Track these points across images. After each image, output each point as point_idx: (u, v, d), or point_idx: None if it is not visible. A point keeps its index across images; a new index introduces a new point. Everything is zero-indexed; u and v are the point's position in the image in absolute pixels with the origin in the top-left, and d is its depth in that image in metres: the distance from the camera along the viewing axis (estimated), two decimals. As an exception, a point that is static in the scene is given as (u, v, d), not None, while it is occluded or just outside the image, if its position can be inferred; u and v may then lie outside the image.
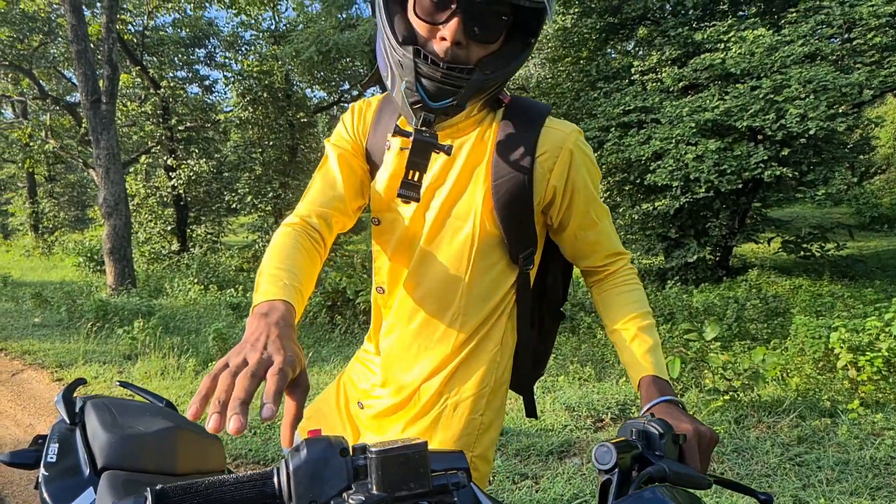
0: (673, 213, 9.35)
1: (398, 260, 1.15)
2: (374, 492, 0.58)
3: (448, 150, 0.93)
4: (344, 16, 13.91)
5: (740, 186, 8.05)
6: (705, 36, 8.93)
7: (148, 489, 0.56)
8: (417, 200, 0.97)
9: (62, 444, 1.29)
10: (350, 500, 0.57)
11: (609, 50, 12.58)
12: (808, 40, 7.91)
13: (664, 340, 5.45)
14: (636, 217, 10.11)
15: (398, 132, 0.93)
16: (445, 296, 1.11)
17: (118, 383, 1.73)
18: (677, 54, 9.47)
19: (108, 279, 9.65)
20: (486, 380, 1.13)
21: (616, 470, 0.70)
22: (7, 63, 14.74)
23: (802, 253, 9.80)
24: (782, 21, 8.79)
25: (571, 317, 6.66)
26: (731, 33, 8.59)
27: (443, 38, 0.91)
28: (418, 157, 0.92)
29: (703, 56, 8.76)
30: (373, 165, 1.16)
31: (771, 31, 8.27)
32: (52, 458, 1.26)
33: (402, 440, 0.61)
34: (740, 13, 9.89)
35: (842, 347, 3.74)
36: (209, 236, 16.80)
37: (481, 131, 1.07)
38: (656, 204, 8.95)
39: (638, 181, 9.35)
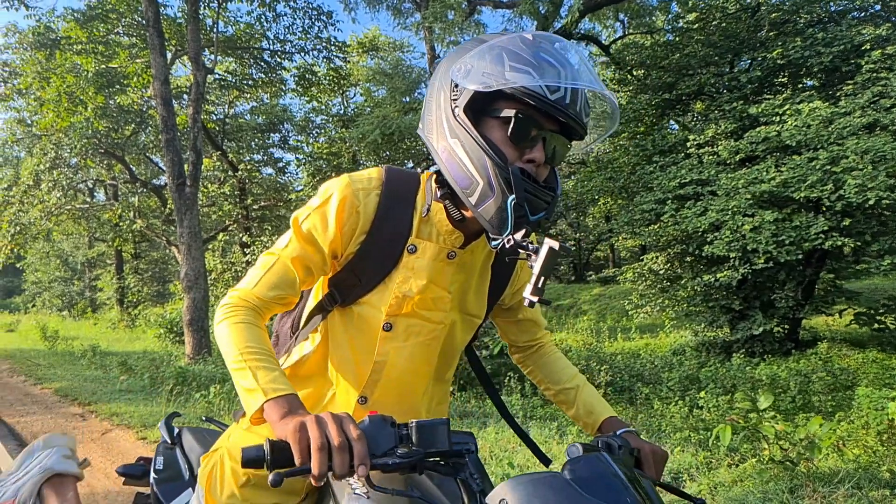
0: (737, 284, 9.27)
1: (409, 363, 1.19)
2: (413, 448, 0.85)
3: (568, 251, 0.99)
4: (408, 99, 14.80)
5: (800, 257, 7.96)
6: (760, 109, 9.08)
7: (266, 439, 0.82)
8: (549, 304, 1.00)
9: (166, 458, 1.70)
10: (397, 452, 0.85)
11: (671, 122, 12.85)
12: (865, 111, 7.95)
13: (723, 412, 5.40)
14: (698, 289, 10.03)
15: (519, 247, 0.98)
16: (443, 377, 1.31)
17: (203, 419, 2.06)
18: (733, 127, 9.62)
19: (186, 349, 10.24)
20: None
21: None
22: (103, 151, 16.21)
23: (876, 325, 9.44)
24: (839, 94, 8.87)
25: (630, 387, 6.66)
26: (787, 106, 8.71)
27: (530, 161, 1.03)
28: (550, 265, 0.92)
29: (758, 129, 8.88)
30: (365, 261, 1.15)
31: (826, 104, 8.35)
32: (160, 467, 1.67)
33: (430, 419, 0.88)
34: (800, 85, 10.02)
35: (900, 417, 3.68)
36: (277, 308, 17.50)
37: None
38: (718, 275, 8.91)
39: (697, 252, 9.36)
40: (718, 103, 10.35)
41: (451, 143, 1.05)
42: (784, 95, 9.05)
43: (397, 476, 1.07)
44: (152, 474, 1.68)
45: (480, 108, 1.04)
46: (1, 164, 23.83)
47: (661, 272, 11.24)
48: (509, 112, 1.01)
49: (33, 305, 34.28)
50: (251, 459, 0.82)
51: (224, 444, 1.29)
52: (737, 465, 3.89)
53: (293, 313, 1.37)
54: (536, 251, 0.93)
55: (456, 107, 1.04)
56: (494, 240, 1.03)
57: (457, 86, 1.04)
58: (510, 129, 1.02)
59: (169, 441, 1.78)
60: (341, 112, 19.66)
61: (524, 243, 0.97)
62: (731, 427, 3.65)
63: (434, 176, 1.16)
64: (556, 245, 0.90)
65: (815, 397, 5.62)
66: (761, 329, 9.09)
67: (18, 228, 15.43)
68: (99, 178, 20.15)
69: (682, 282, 10.54)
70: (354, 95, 21.40)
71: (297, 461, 0.81)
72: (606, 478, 0.85)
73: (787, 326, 9.47)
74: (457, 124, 1.04)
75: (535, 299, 0.92)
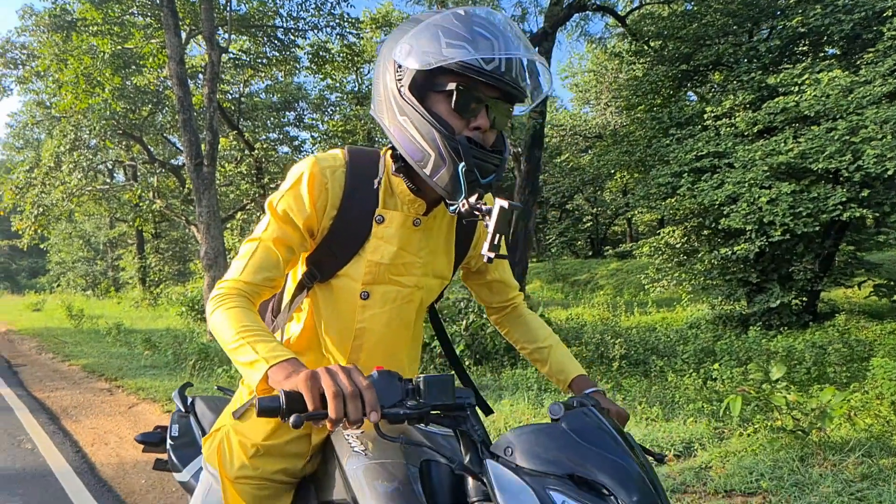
0: (754, 257, 9.20)
1: (388, 328, 1.28)
2: (421, 401, 0.92)
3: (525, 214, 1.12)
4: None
5: (818, 229, 7.88)
6: (779, 79, 8.92)
7: (280, 390, 0.87)
8: (506, 257, 1.15)
9: (180, 426, 1.84)
10: (407, 404, 0.92)
11: (689, 94, 12.67)
12: (886, 80, 7.80)
13: (737, 384, 5.44)
14: (715, 262, 9.97)
15: (474, 209, 1.05)
16: (415, 336, 1.39)
17: (217, 388, 2.18)
18: (751, 98, 9.47)
19: (208, 326, 10.42)
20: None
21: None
22: (121, 132, 16.37)
23: (895, 297, 9.36)
24: (859, 62, 8.70)
25: (644, 360, 6.71)
26: (806, 76, 8.55)
27: (476, 128, 1.10)
28: (503, 222, 0.99)
29: (776, 99, 8.74)
30: (339, 235, 1.22)
31: (846, 73, 8.20)
32: (175, 434, 1.82)
33: (437, 374, 0.95)
34: (821, 54, 9.81)
35: (913, 387, 3.70)
36: (296, 285, 17.69)
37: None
38: (735, 248, 8.86)
39: (714, 226, 9.30)
40: (737, 74, 10.19)
41: (400, 121, 1.12)
42: (803, 65, 8.87)
43: (392, 431, 1.15)
44: (168, 441, 1.81)
45: (424, 84, 1.11)
46: (22, 146, 24.21)
47: (678, 246, 11.18)
48: (451, 85, 1.09)
49: (58, 285, 34.99)
50: (266, 409, 0.85)
51: (227, 421, 1.35)
52: (749, 435, 3.94)
53: (272, 297, 1.43)
54: (490, 212, 1.00)
55: (402, 86, 1.12)
56: (451, 205, 1.10)
57: (400, 66, 1.12)
58: (453, 102, 1.09)
59: (183, 409, 1.90)
60: (356, 89, 19.61)
61: (478, 206, 1.05)
62: (741, 398, 3.69)
63: (390, 151, 1.24)
64: (506, 204, 0.98)
65: (830, 369, 5.63)
66: (778, 302, 9.03)
67: (41, 210, 15.71)
68: (118, 159, 20.39)
69: (699, 255, 10.49)
70: (368, 72, 21.27)
71: (309, 408, 0.86)
72: (597, 429, 0.93)
73: (804, 299, 9.41)
74: (404, 102, 1.11)
75: (491, 255, 1.01)
